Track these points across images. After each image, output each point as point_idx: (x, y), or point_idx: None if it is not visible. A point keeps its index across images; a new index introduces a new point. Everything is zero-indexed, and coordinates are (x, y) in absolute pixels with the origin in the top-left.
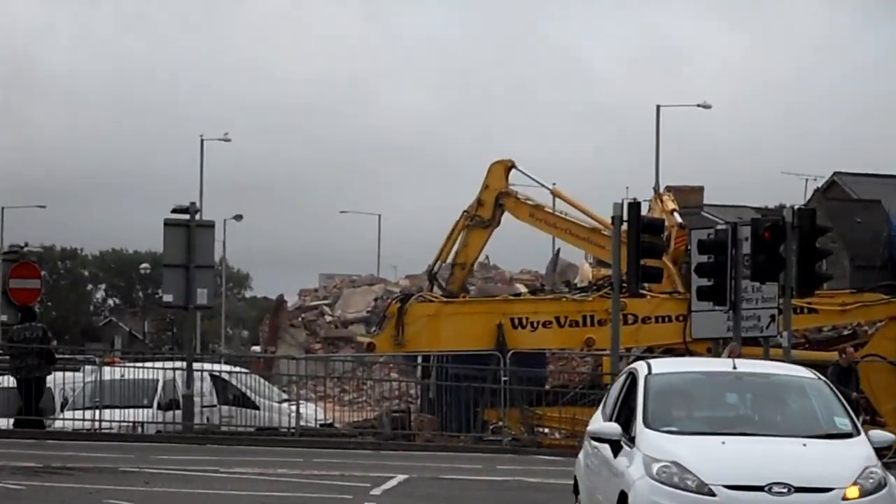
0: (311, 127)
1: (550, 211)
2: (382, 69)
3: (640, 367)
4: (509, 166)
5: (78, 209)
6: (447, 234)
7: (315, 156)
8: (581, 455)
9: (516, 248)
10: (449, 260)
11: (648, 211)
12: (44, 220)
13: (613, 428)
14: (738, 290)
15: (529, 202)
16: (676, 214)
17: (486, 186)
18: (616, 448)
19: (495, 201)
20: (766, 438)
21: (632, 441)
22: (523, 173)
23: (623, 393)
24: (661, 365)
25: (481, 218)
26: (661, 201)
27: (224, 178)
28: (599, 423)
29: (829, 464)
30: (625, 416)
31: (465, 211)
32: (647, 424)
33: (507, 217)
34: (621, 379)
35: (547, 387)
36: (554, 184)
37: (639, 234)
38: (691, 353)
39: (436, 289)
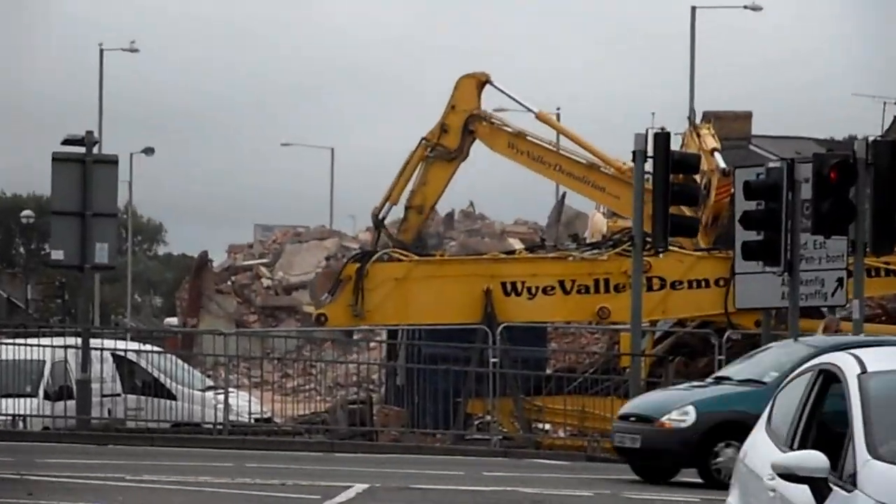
0: (243, 41)
1: (537, 140)
2: None
3: (843, 363)
4: (483, 81)
5: None
6: (400, 169)
7: (249, 76)
8: (735, 498)
9: (509, 192)
10: (404, 202)
11: (682, 148)
12: None
13: (816, 460)
14: (796, 246)
15: (508, 128)
16: (718, 156)
17: (453, 107)
18: (821, 491)
19: (464, 126)
20: None
21: (850, 480)
22: (501, 91)
23: (810, 402)
24: (880, 359)
25: (445, 148)
26: (698, 136)
27: (131, 101)
28: (776, 450)
29: None
30: (822, 439)
31: (423, 138)
32: (874, 453)
33: (483, 151)
34: (802, 380)
35: (548, 371)
36: (543, 111)
37: (667, 173)
38: (733, 327)
39: (383, 238)
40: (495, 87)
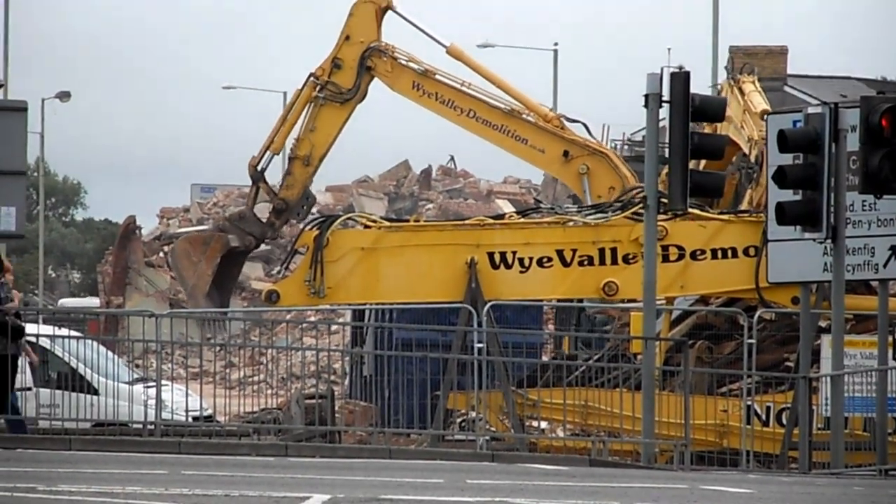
0: None
1: (447, 80)
2: None
3: None
4: (383, 7)
5: None
6: (283, 111)
7: (180, 5)
8: None
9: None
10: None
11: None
12: None
13: None
14: (841, 208)
15: (414, 65)
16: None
17: (347, 38)
18: None
19: (360, 61)
20: None
21: None
22: (404, 19)
23: None
24: None
25: (337, 87)
26: (741, 92)
27: (41, 37)
28: None
29: None
30: None
31: (311, 75)
32: None
33: None
34: None
35: (545, 358)
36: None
37: (687, 120)
38: (766, 305)
39: (262, 195)
40: (397, 13)
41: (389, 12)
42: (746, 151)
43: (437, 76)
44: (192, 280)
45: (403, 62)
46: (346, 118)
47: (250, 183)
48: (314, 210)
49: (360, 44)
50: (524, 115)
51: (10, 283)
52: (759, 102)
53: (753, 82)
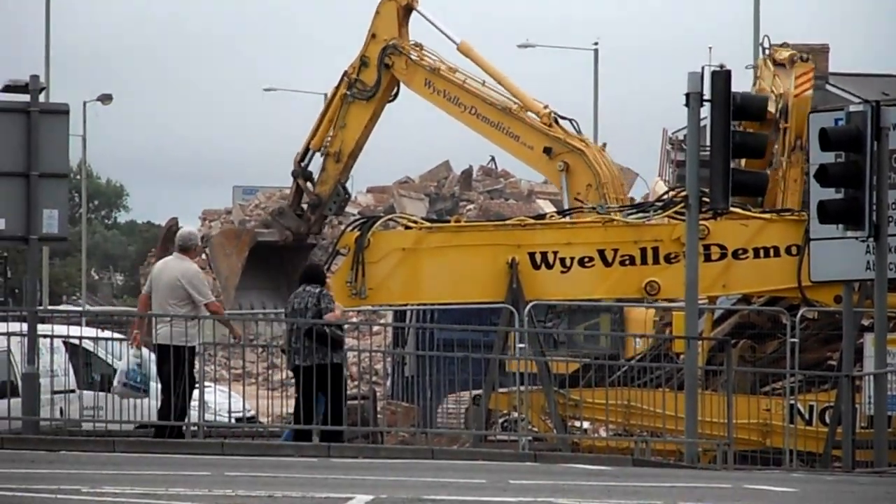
0: None
1: (453, 78)
2: None
3: None
4: (406, 6)
5: None
6: (322, 108)
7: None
8: None
9: None
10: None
11: (755, 84)
12: None
13: None
14: (884, 205)
15: (426, 62)
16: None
17: (373, 36)
18: None
19: (380, 58)
20: None
21: None
22: (424, 17)
23: None
24: None
25: (364, 84)
26: (772, 59)
27: (83, 39)
28: None
29: None
30: None
31: (344, 72)
32: None
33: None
34: None
35: (586, 359)
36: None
37: (728, 119)
38: (809, 304)
39: (309, 187)
40: (419, 13)
41: (414, 12)
42: (775, 110)
43: (448, 73)
44: (225, 272)
45: (418, 60)
46: (372, 116)
47: (293, 179)
48: (355, 211)
49: (384, 41)
50: (518, 114)
51: (331, 295)
52: (804, 79)
53: (804, 58)
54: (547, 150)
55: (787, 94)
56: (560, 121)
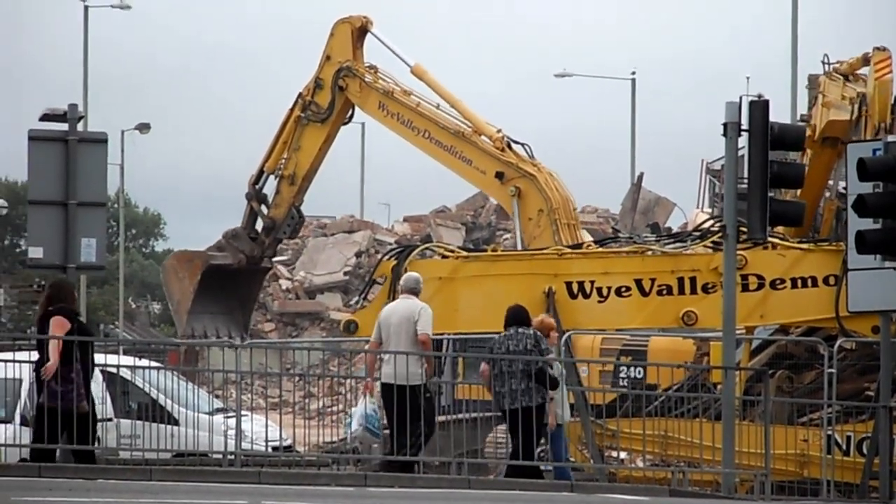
0: None
1: (406, 101)
2: None
3: None
4: (360, 27)
5: None
6: (277, 130)
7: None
8: None
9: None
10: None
11: (812, 104)
12: None
13: None
14: None
15: (380, 84)
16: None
17: (328, 58)
18: None
19: (334, 81)
20: None
21: None
22: (379, 40)
23: None
24: None
25: (318, 106)
26: (839, 73)
27: (121, 68)
28: None
29: None
30: None
31: (299, 94)
32: None
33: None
34: None
35: (623, 389)
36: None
37: (766, 149)
38: (846, 335)
39: (263, 210)
40: (374, 35)
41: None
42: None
43: (401, 95)
44: (177, 296)
45: (372, 83)
46: (326, 139)
47: (247, 202)
48: (392, 241)
49: (339, 63)
50: (471, 138)
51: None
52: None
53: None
54: (499, 175)
55: (867, 79)
56: (513, 145)
